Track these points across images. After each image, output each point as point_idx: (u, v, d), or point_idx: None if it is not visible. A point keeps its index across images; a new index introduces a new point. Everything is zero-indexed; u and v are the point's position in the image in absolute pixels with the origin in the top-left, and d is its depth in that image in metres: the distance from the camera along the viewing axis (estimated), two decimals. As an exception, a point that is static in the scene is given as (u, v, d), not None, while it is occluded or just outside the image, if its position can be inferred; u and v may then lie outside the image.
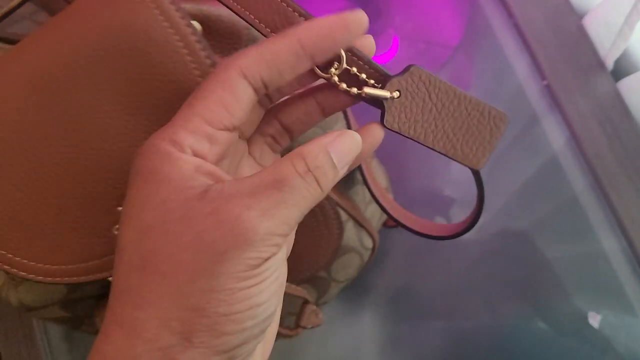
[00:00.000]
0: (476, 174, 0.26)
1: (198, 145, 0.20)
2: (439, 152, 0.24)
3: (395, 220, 0.37)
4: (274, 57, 0.20)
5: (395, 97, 0.23)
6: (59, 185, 0.26)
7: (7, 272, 0.28)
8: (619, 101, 0.43)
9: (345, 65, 0.22)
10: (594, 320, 0.41)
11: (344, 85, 0.23)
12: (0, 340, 0.48)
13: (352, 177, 0.39)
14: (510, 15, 0.47)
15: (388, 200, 0.38)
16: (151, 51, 0.25)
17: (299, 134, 0.26)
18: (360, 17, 0.21)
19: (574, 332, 0.43)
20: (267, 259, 0.19)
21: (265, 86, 0.21)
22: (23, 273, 0.28)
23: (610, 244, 0.41)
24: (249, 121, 0.23)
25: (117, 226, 0.27)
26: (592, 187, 0.42)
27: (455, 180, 0.50)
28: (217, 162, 0.21)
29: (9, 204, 0.26)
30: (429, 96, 0.24)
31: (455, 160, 0.24)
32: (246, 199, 0.19)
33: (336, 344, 0.48)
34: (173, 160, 0.19)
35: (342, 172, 0.21)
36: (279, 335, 0.35)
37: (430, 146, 0.24)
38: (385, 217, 0.46)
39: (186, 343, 0.18)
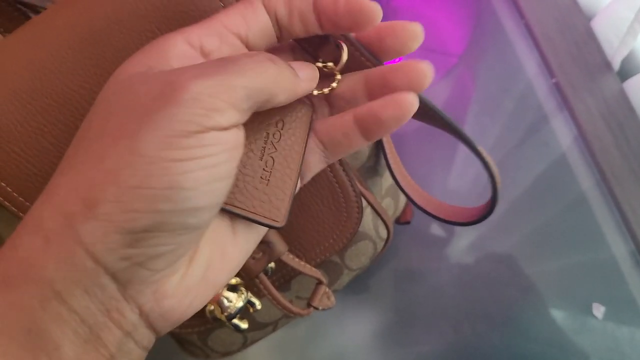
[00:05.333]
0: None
1: (207, 40, 0.19)
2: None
3: (418, 206, 0.37)
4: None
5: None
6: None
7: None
8: (625, 100, 0.44)
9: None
10: (598, 311, 0.42)
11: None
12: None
13: (375, 168, 0.39)
14: (521, 15, 0.48)
15: (411, 184, 0.38)
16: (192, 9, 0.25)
17: None
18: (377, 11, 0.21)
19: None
20: (201, 132, 0.16)
21: (277, 21, 0.21)
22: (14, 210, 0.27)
23: (613, 235, 0.42)
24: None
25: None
26: (597, 181, 0.44)
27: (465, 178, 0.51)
28: None
29: (31, 149, 0.26)
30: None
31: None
32: (186, 69, 0.17)
33: (325, 344, 0.47)
34: (172, 42, 0.19)
35: (305, 85, 0.21)
36: (292, 315, 0.34)
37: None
38: (397, 212, 0.46)
39: (88, 213, 0.16)
